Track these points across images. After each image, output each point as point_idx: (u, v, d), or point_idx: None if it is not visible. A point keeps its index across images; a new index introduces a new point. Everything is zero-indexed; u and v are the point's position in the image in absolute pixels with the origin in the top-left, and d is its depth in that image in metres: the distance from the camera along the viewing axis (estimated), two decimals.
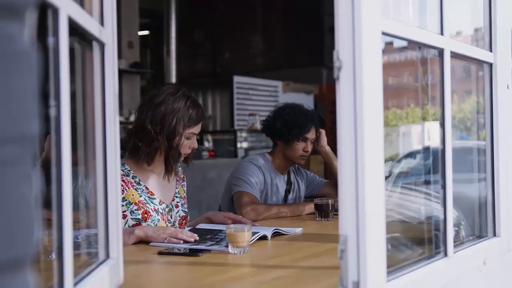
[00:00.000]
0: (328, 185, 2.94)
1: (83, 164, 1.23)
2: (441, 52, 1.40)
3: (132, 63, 7.25)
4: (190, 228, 2.17)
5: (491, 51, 1.69)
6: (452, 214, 1.40)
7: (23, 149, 0.55)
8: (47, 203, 0.89)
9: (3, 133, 0.53)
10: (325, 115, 7.01)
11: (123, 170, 2.09)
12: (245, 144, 7.01)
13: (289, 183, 2.88)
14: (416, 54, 1.65)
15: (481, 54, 1.65)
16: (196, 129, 2.15)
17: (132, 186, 2.09)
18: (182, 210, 2.25)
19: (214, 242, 1.85)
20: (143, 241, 1.92)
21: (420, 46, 1.49)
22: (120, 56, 6.93)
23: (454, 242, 1.44)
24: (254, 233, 1.87)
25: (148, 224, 2.06)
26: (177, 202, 2.24)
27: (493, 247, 1.65)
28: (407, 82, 1.98)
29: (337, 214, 1.76)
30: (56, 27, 0.88)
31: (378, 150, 1.09)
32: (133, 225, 2.04)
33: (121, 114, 6.69)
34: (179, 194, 2.27)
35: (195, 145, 2.17)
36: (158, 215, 2.11)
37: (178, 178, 2.30)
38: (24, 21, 0.55)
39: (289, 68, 8.84)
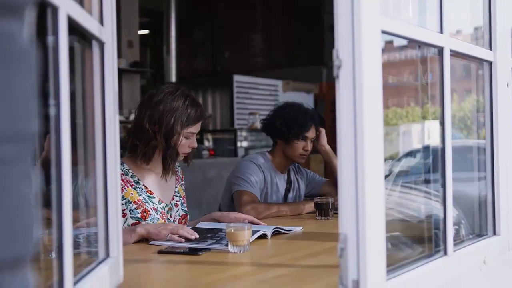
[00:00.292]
0: (328, 184, 2.94)
1: (83, 163, 1.23)
2: (440, 50, 1.40)
3: (132, 62, 7.25)
4: (190, 227, 2.17)
5: (491, 49, 1.69)
6: (452, 213, 1.40)
7: (22, 148, 0.55)
8: (47, 202, 0.89)
9: (2, 132, 0.53)
10: (325, 114, 7.01)
11: (122, 169, 2.09)
12: (245, 143, 7.01)
13: (289, 182, 2.88)
14: (416, 52, 1.65)
15: (481, 52, 1.65)
16: (195, 128, 2.14)
17: (131, 185, 2.09)
18: (181, 209, 2.25)
19: (214, 241, 1.85)
20: (143, 240, 1.92)
21: (419, 44, 1.49)
22: (120, 55, 6.93)
23: (454, 240, 1.44)
24: (254, 232, 1.87)
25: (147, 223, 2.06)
26: (177, 201, 2.24)
27: (493, 246, 1.65)
28: (407, 81, 1.98)
29: (337, 213, 1.76)
30: (55, 26, 0.88)
31: (378, 149, 1.09)
32: (132, 224, 2.04)
33: (121, 113, 6.69)
34: (178, 193, 2.27)
35: (195, 144, 2.16)
36: (157, 214, 2.11)
37: (177, 178, 2.30)
38: (23, 20, 0.55)
39: (289, 67, 8.84)
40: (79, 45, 1.15)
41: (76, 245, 1.09)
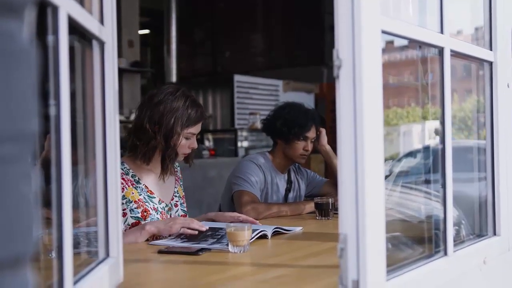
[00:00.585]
0: (328, 184, 2.94)
1: (83, 163, 1.23)
2: (441, 50, 1.40)
3: (133, 62, 7.25)
4: None
5: (491, 49, 1.69)
6: (452, 213, 1.40)
7: (22, 147, 0.55)
8: (47, 202, 0.89)
9: (2, 131, 0.53)
10: (325, 114, 7.02)
11: (122, 169, 2.09)
12: (245, 143, 7.01)
13: (289, 182, 2.88)
14: (417, 53, 1.64)
15: (481, 52, 1.65)
16: (195, 129, 2.14)
17: (131, 184, 2.10)
18: (181, 209, 2.26)
19: (215, 240, 1.85)
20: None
21: (420, 44, 1.49)
22: (120, 55, 6.93)
23: (454, 241, 1.43)
24: (254, 231, 1.87)
25: None
26: (176, 201, 2.25)
27: (493, 246, 1.65)
28: (408, 81, 1.98)
29: (337, 213, 1.76)
30: (55, 25, 0.88)
31: (378, 149, 1.09)
32: (133, 224, 2.04)
33: (121, 113, 6.69)
34: (178, 193, 2.27)
35: (195, 145, 2.16)
36: (157, 214, 2.12)
37: (177, 178, 2.30)
38: (23, 19, 0.55)
39: (289, 67, 8.84)
40: (79, 44, 1.15)
41: (76, 244, 1.09)
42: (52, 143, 0.88)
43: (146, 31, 9.76)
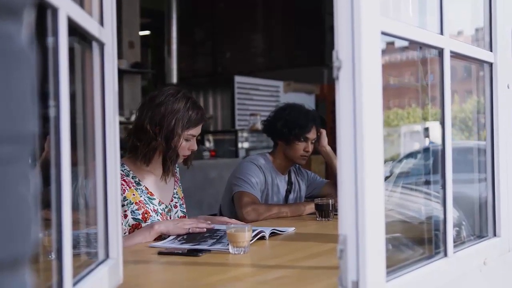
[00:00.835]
0: (329, 185, 2.94)
1: (83, 164, 1.23)
2: (441, 52, 1.40)
3: (133, 63, 7.25)
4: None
5: (491, 50, 1.69)
6: (452, 214, 1.40)
7: (21, 148, 0.55)
8: (47, 203, 0.89)
9: (1, 132, 0.53)
10: (326, 115, 7.01)
11: (123, 171, 2.09)
12: (246, 144, 7.01)
13: (290, 183, 2.88)
14: (418, 54, 1.64)
15: (481, 53, 1.65)
16: (196, 131, 2.15)
17: (132, 186, 2.10)
18: (180, 210, 2.26)
19: (214, 240, 1.85)
20: None
21: (419, 46, 1.49)
22: (121, 56, 6.93)
23: (455, 242, 1.43)
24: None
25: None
26: (176, 202, 2.25)
27: (494, 247, 1.65)
28: (409, 82, 1.98)
29: (337, 214, 1.75)
30: (55, 27, 0.88)
31: (378, 150, 1.09)
32: (133, 225, 2.05)
33: (122, 114, 6.69)
34: (177, 194, 2.28)
35: (195, 147, 2.17)
36: (157, 215, 2.12)
37: (176, 179, 2.31)
38: (22, 21, 0.55)
39: (290, 68, 8.85)
40: (79, 46, 1.15)
41: (76, 246, 1.09)
42: (52, 144, 0.89)
43: (147, 32, 9.77)
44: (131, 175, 2.12)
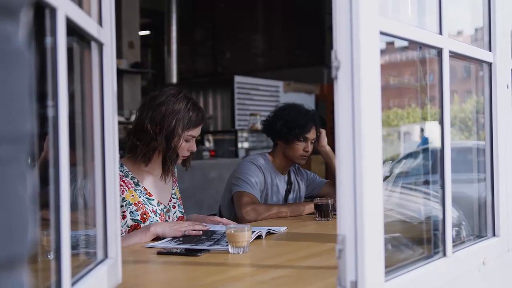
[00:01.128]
0: (328, 185, 2.94)
1: (82, 164, 1.23)
2: (439, 51, 1.40)
3: (133, 63, 7.26)
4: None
5: (490, 50, 1.69)
6: (450, 214, 1.40)
7: (18, 148, 0.55)
8: (46, 203, 0.89)
9: None
10: (326, 115, 7.01)
11: (121, 171, 2.10)
12: (246, 144, 7.02)
13: (289, 183, 2.88)
14: (418, 54, 1.65)
15: (481, 53, 1.65)
16: (195, 132, 2.16)
17: (131, 186, 2.10)
18: (178, 210, 2.27)
19: (212, 242, 1.86)
20: None
21: (419, 45, 1.49)
22: (121, 56, 6.94)
23: (454, 242, 1.43)
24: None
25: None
26: (174, 202, 2.26)
27: (493, 247, 1.65)
28: (409, 82, 1.98)
29: (336, 214, 1.76)
30: (53, 27, 0.88)
31: (376, 150, 1.09)
32: (132, 226, 2.05)
33: (122, 114, 6.70)
34: (175, 195, 2.28)
35: (194, 148, 2.18)
36: (156, 216, 2.12)
37: (174, 179, 2.31)
38: (19, 21, 0.55)
39: (290, 68, 8.85)
40: (78, 46, 1.15)
41: (75, 245, 1.09)
42: (50, 144, 0.89)
43: (147, 32, 9.77)
44: (130, 176, 2.12)
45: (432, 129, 1.66)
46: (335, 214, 2.42)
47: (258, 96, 7.84)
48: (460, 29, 1.92)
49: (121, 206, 2.03)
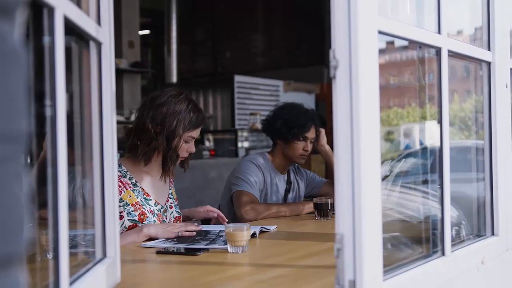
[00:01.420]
0: (328, 185, 2.94)
1: (80, 164, 1.23)
2: (438, 51, 1.40)
3: (133, 62, 7.25)
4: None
5: (489, 50, 1.69)
6: (449, 213, 1.40)
7: (14, 147, 0.55)
8: (44, 202, 0.89)
9: None
10: (326, 115, 7.01)
11: (120, 171, 2.10)
12: (246, 144, 7.02)
13: (289, 182, 2.88)
14: (417, 53, 1.65)
15: (479, 53, 1.65)
16: (195, 133, 2.17)
17: (129, 187, 2.10)
18: (175, 211, 2.27)
19: (208, 242, 1.86)
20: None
21: (418, 45, 1.49)
22: (120, 55, 6.94)
23: (453, 241, 1.43)
24: None
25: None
26: (171, 203, 2.26)
27: (492, 246, 1.65)
28: (409, 81, 1.98)
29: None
30: (51, 26, 0.88)
31: (375, 149, 1.09)
32: (129, 226, 2.05)
33: (121, 113, 6.70)
34: (172, 195, 2.29)
35: (193, 149, 2.19)
36: (153, 216, 2.12)
37: (171, 180, 2.32)
38: (15, 21, 0.55)
39: (290, 67, 8.85)
40: (76, 45, 1.15)
41: (73, 245, 1.09)
42: (48, 143, 0.89)
43: (147, 32, 9.77)
44: (128, 176, 2.12)
45: (431, 128, 1.66)
46: (334, 214, 2.42)
47: (258, 96, 7.84)
48: (460, 28, 1.92)
49: (118, 206, 2.03)
